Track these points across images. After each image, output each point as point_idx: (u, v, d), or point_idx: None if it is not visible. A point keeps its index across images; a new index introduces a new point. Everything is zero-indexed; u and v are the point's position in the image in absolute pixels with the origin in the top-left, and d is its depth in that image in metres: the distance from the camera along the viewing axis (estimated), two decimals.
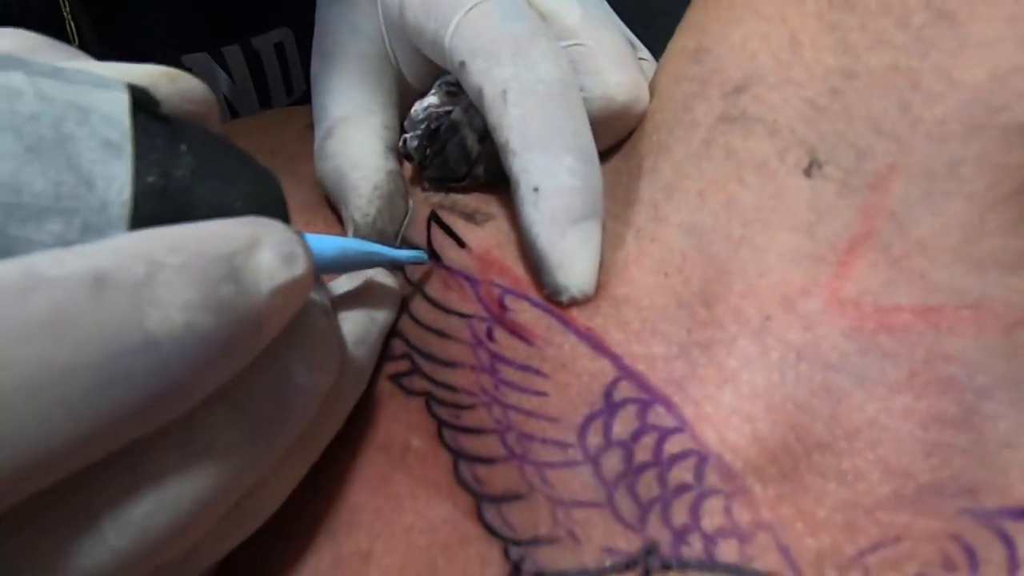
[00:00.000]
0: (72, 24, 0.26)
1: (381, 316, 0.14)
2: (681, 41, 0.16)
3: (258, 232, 0.09)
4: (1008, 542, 0.09)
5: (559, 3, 0.16)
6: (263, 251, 0.09)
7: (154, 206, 0.08)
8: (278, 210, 0.10)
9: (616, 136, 0.17)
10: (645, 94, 0.16)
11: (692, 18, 0.16)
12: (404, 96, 0.19)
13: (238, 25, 0.31)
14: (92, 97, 0.08)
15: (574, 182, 0.14)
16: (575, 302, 0.14)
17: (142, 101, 0.09)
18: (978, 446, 0.10)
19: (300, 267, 0.09)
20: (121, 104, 0.08)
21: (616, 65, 0.16)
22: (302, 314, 0.10)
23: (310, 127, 0.21)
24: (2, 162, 0.07)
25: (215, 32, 0.30)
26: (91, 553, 0.08)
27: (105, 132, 0.08)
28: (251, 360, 0.09)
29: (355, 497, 0.13)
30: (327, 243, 0.12)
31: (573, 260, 0.13)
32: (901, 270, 0.11)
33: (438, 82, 0.18)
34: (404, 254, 0.14)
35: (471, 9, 0.15)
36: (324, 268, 0.12)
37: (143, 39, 0.28)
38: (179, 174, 0.09)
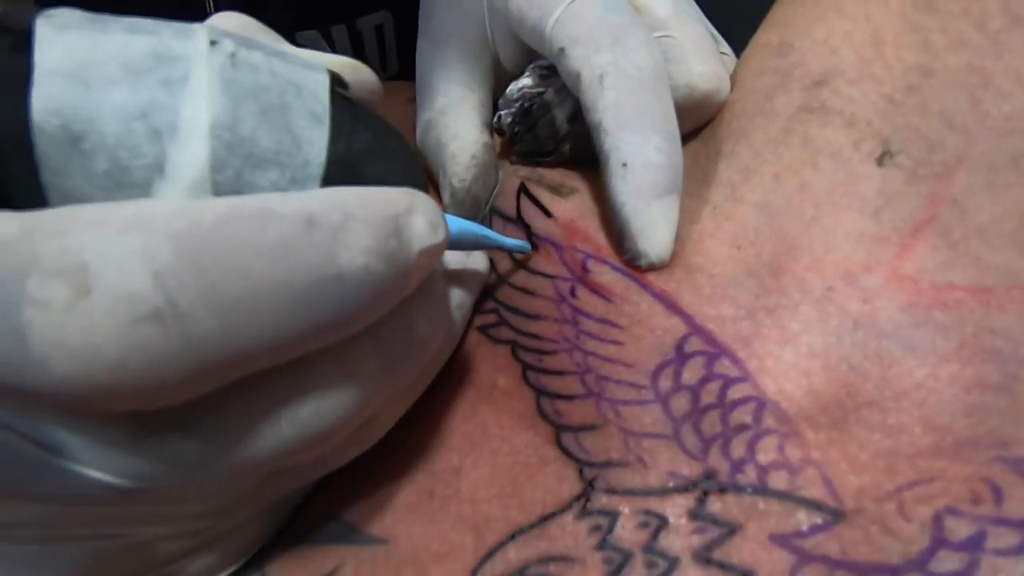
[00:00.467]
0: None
1: (475, 287, 0.16)
2: (765, 36, 0.17)
3: (414, 201, 0.11)
4: None
5: None
6: (418, 216, 0.11)
7: (338, 170, 0.11)
8: (422, 185, 0.12)
9: (696, 122, 0.18)
10: (726, 85, 0.17)
11: (776, 14, 0.17)
12: (499, 77, 0.21)
13: (347, 7, 0.34)
14: (304, 76, 0.10)
15: (660, 159, 0.15)
16: (652, 267, 0.15)
17: (336, 84, 0.11)
18: (1014, 407, 0.11)
19: (441, 234, 0.11)
20: (324, 84, 0.11)
21: (701, 57, 0.17)
22: (428, 278, 0.12)
23: (412, 101, 0.23)
24: (247, 121, 0.10)
25: (326, 12, 0.33)
26: (267, 435, 0.10)
27: (312, 105, 0.10)
28: (391, 307, 0.11)
29: (448, 425, 0.15)
30: (452, 222, 0.14)
31: (653, 229, 0.15)
32: (958, 252, 0.13)
33: (531, 66, 0.20)
34: (512, 242, 0.16)
35: (574, 1, 0.16)
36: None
37: (262, 14, 0.31)
38: (357, 147, 0.11)
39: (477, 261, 0.16)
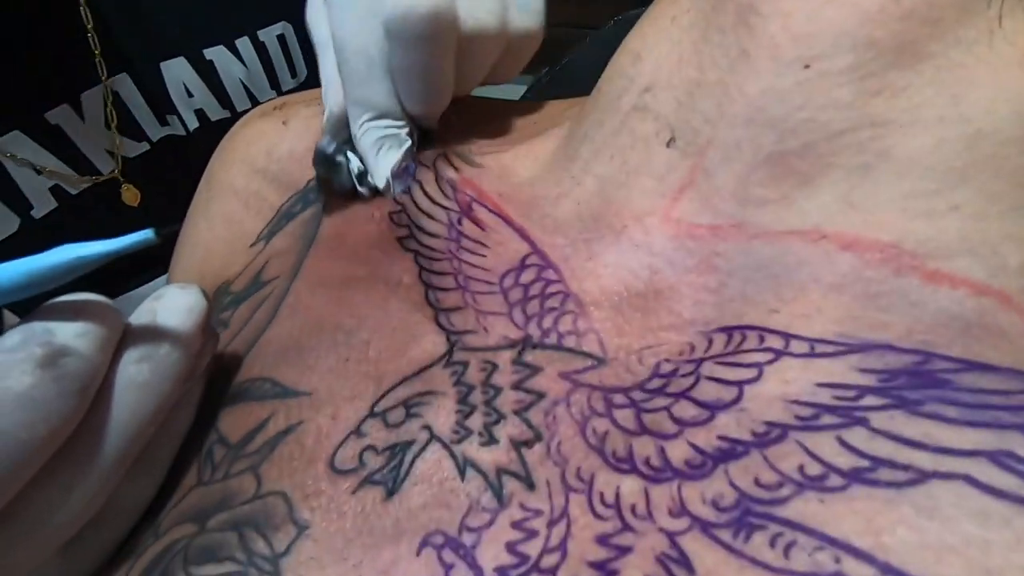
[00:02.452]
0: (93, 36, 0.33)
1: (180, 327, 0.15)
2: (631, 43, 0.23)
3: None
4: (710, 340, 0.17)
5: None
6: None
7: None
8: None
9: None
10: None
11: (642, 21, 0.23)
12: None
13: (246, 20, 0.37)
14: None
15: None
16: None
17: None
18: (717, 301, 0.18)
19: None
20: None
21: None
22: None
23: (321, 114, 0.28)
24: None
25: (227, 27, 0.37)
26: None
27: None
28: None
29: (365, 311, 0.21)
30: (9, 268, 0.12)
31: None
32: (704, 204, 0.19)
33: None
34: (127, 240, 0.13)
35: None
36: (15, 292, 0.12)
37: (164, 35, 0.35)
38: None
39: (172, 304, 0.15)
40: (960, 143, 0.16)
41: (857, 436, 0.13)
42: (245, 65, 0.38)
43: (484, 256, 0.21)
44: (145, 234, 0.13)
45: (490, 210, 0.22)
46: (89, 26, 0.31)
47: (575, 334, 0.18)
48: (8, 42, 0.30)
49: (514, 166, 0.24)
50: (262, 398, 0.20)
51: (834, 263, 0.16)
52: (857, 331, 0.15)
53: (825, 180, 0.17)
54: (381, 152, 0.23)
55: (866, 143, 0.17)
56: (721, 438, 0.15)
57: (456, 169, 0.23)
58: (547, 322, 0.19)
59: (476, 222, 0.22)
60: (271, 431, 0.19)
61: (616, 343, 0.18)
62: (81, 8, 0.30)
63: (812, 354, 0.15)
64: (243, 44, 0.37)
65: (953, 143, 0.16)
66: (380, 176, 0.23)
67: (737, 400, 0.15)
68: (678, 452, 0.15)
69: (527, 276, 0.20)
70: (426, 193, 0.23)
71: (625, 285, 0.19)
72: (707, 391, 0.16)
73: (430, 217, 0.22)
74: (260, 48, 0.39)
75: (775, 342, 0.16)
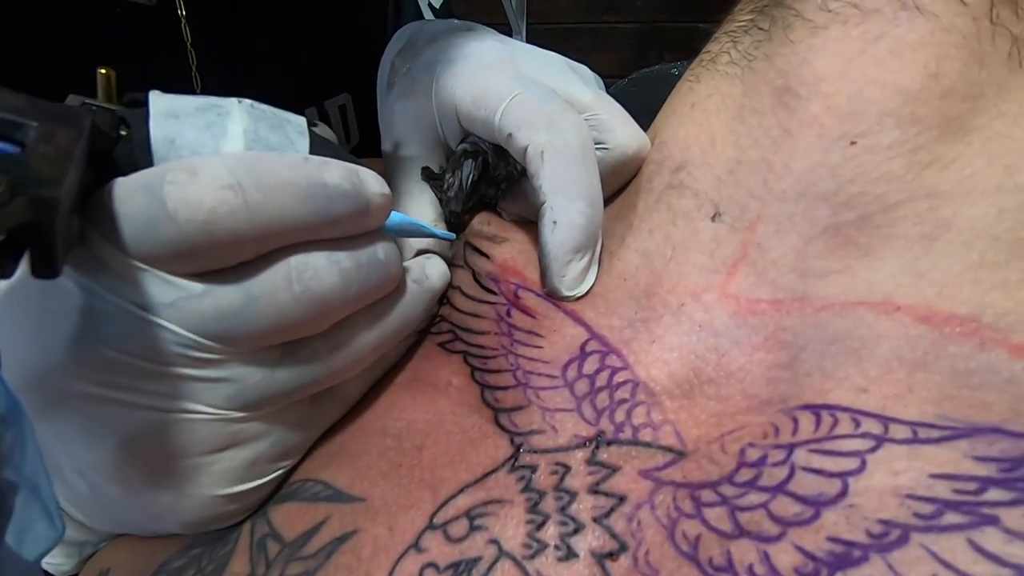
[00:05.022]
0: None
1: (432, 275, 0.21)
2: (651, 133, 0.24)
3: (368, 169, 0.18)
4: (795, 420, 0.16)
5: (575, 89, 0.22)
6: (370, 174, 0.18)
7: None
8: None
9: (623, 179, 0.23)
10: (648, 142, 0.23)
11: (659, 117, 0.24)
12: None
13: (315, 92, 0.40)
14: (292, 116, 0.18)
15: (581, 220, 0.20)
16: (566, 299, 0.21)
17: (311, 124, 0.18)
18: (793, 377, 0.17)
19: (387, 188, 0.18)
20: (304, 120, 0.18)
21: (625, 125, 0.22)
22: (383, 234, 0.19)
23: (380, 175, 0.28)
24: (261, 128, 0.17)
25: (299, 98, 0.39)
26: (283, 292, 0.16)
27: (298, 127, 0.18)
28: (361, 232, 0.18)
29: (413, 414, 0.20)
30: (394, 214, 0.20)
31: (571, 276, 0.20)
32: (761, 277, 0.19)
33: (459, 147, 0.25)
34: (442, 232, 0.22)
35: (513, 98, 0.21)
36: (390, 228, 0.20)
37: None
38: (326, 153, 0.18)
39: (432, 264, 0.22)
40: (1022, 212, 0.16)
41: (991, 539, 0.12)
42: None
43: (540, 347, 0.20)
44: (451, 234, 0.23)
45: (537, 295, 0.21)
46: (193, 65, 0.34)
47: (651, 427, 0.17)
48: (102, 55, 0.31)
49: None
50: (314, 499, 0.19)
51: (914, 337, 0.16)
52: (957, 412, 0.14)
53: (888, 251, 0.17)
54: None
55: (924, 214, 0.17)
56: (832, 540, 0.14)
57: (487, 256, 0.23)
58: (620, 416, 0.18)
59: (525, 311, 0.21)
60: (326, 536, 0.18)
61: (695, 433, 0.17)
62: (183, 26, 0.33)
63: (916, 440, 0.14)
64: (310, 113, 0.39)
65: (1015, 212, 0.16)
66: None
67: (843, 494, 0.14)
68: (785, 558, 0.14)
69: (591, 365, 0.19)
70: (466, 295, 0.22)
71: (694, 370, 0.18)
72: (807, 484, 0.15)
73: (476, 316, 0.22)
74: (323, 117, 0.41)
75: (872, 426, 0.15)
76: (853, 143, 0.17)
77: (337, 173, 0.16)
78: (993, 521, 0.12)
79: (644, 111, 0.25)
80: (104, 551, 0.22)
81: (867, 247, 0.17)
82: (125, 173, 0.15)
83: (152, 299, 0.15)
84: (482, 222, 0.25)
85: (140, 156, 0.15)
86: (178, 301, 0.15)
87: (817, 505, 0.14)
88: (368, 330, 0.19)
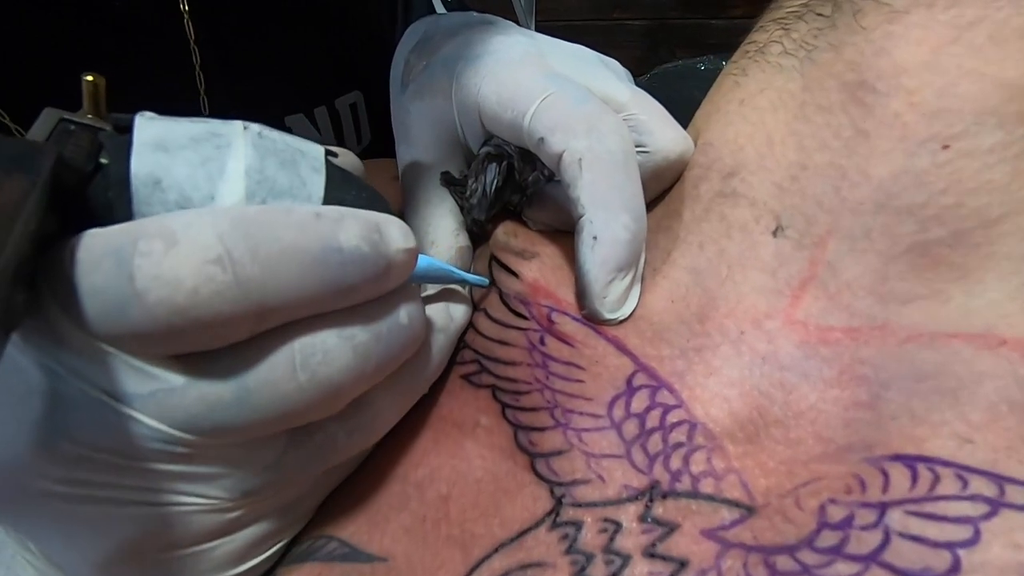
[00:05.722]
0: (205, 101, 0.33)
1: (458, 316, 0.19)
2: (691, 132, 0.21)
3: (390, 217, 0.15)
4: (885, 474, 0.14)
5: (610, 86, 0.20)
6: (393, 225, 0.15)
7: (333, 204, 0.15)
8: None
9: (665, 184, 0.21)
10: (691, 144, 0.20)
11: (699, 116, 0.21)
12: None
13: (325, 91, 0.38)
14: (307, 146, 0.15)
15: (626, 236, 0.18)
16: (607, 323, 0.19)
17: (329, 153, 0.16)
18: (876, 419, 0.15)
19: (412, 241, 0.15)
20: (321, 151, 0.15)
21: (667, 126, 0.20)
22: (408, 285, 0.16)
23: (395, 178, 0.26)
24: (269, 168, 0.14)
25: (309, 97, 0.37)
26: (286, 382, 0.13)
27: (313, 163, 0.15)
28: (379, 295, 0.15)
29: (437, 460, 0.18)
30: (421, 259, 0.17)
31: (614, 297, 0.18)
32: (834, 302, 0.16)
33: (481, 150, 0.23)
34: (473, 278, 0.19)
35: (545, 98, 0.19)
36: (415, 276, 0.17)
37: (254, 102, 0.35)
38: (346, 192, 0.15)
39: (457, 304, 0.19)
40: None
41: None
42: (319, 131, 0.38)
43: (581, 381, 0.18)
44: (483, 279, 0.20)
45: (575, 319, 0.19)
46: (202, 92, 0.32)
47: (712, 476, 0.15)
48: (108, 52, 0.30)
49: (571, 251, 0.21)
50: (329, 559, 0.17)
51: None
52: None
53: (989, 273, 0.15)
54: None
55: None
56: None
57: (515, 275, 0.21)
58: (676, 462, 0.16)
59: (562, 338, 0.19)
60: None
61: (763, 484, 0.15)
62: (185, 23, 0.31)
63: None
64: (320, 112, 0.38)
65: None
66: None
67: (954, 570, 0.12)
68: None
69: (639, 402, 0.17)
70: (493, 318, 0.20)
71: (758, 409, 0.16)
72: (906, 554, 0.13)
73: (505, 344, 0.19)
74: (334, 116, 0.39)
75: (983, 486, 0.13)
76: (945, 147, 0.15)
77: (355, 231, 0.13)
78: None
79: (668, 109, 0.22)
80: None
81: (963, 269, 0.15)
82: (98, 219, 0.12)
83: (125, 389, 0.12)
84: (508, 233, 0.22)
85: (116, 199, 0.13)
86: (158, 393, 0.12)
87: None
88: (392, 402, 0.17)
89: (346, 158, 0.17)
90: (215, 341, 0.13)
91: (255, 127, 0.14)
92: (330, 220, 0.13)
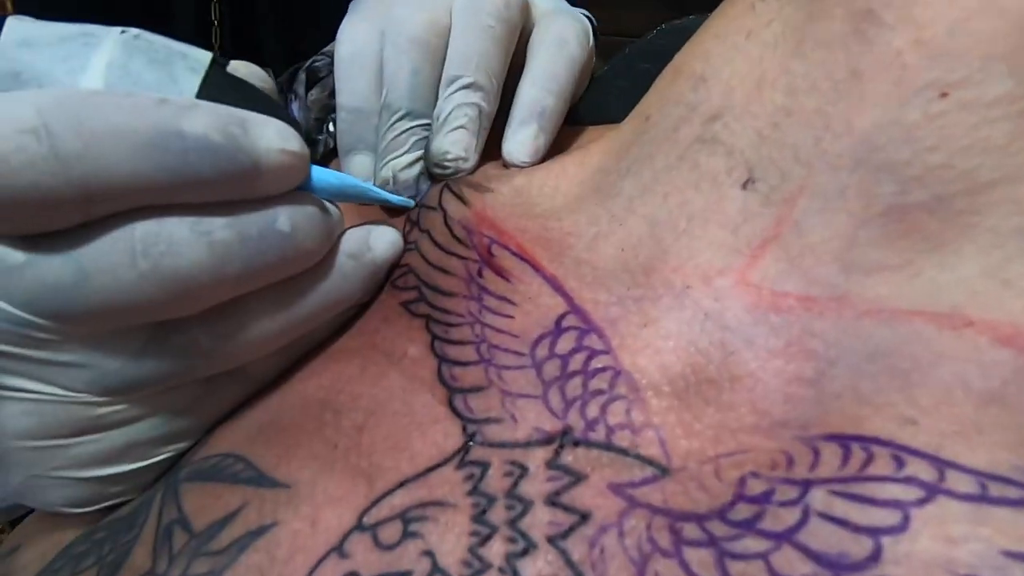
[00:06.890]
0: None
1: (378, 248, 0.18)
2: (690, 64, 0.18)
3: (269, 119, 0.14)
4: (816, 452, 0.13)
5: None
6: (270, 126, 0.14)
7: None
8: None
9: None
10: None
11: (698, 43, 0.19)
12: None
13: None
14: (192, 51, 0.15)
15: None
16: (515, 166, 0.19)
17: (218, 61, 0.15)
18: (818, 397, 0.14)
19: (295, 144, 0.14)
20: (207, 56, 0.15)
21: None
22: (303, 196, 0.15)
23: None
24: (135, 64, 0.14)
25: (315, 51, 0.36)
26: (127, 268, 0.13)
27: (192, 64, 0.15)
28: (252, 197, 0.14)
29: (359, 388, 0.16)
30: (332, 175, 0.16)
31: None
32: (794, 265, 0.15)
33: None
34: (395, 198, 0.18)
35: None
36: (321, 191, 0.16)
37: (257, 58, 0.35)
38: (228, 96, 0.14)
39: (381, 236, 0.18)
40: None
41: None
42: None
43: (511, 317, 0.16)
44: (407, 200, 0.20)
45: (514, 253, 0.18)
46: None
47: (629, 429, 0.14)
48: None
49: (529, 191, 0.20)
50: (233, 480, 0.16)
51: (989, 363, 0.12)
52: None
53: (968, 246, 0.13)
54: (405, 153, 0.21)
55: None
56: None
57: (465, 202, 0.19)
58: (592, 410, 0.14)
59: (499, 271, 0.17)
60: (239, 529, 0.15)
61: (684, 446, 0.14)
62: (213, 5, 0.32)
63: (984, 497, 0.11)
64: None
65: None
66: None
67: (873, 559, 0.11)
68: None
69: (565, 344, 0.15)
70: (436, 243, 0.18)
71: (692, 366, 0.15)
72: (823, 537, 0.11)
73: (444, 271, 0.18)
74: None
75: (921, 470, 0.11)
76: (944, 95, 0.13)
77: (204, 121, 0.13)
78: None
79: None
80: (24, 524, 0.19)
81: (939, 238, 0.13)
82: None
83: None
84: (480, 171, 0.21)
85: None
86: None
87: (836, 569, 0.11)
88: (270, 316, 0.16)
89: (248, 72, 0.16)
90: (44, 219, 0.12)
91: (133, 31, 0.14)
92: (175, 107, 0.13)
